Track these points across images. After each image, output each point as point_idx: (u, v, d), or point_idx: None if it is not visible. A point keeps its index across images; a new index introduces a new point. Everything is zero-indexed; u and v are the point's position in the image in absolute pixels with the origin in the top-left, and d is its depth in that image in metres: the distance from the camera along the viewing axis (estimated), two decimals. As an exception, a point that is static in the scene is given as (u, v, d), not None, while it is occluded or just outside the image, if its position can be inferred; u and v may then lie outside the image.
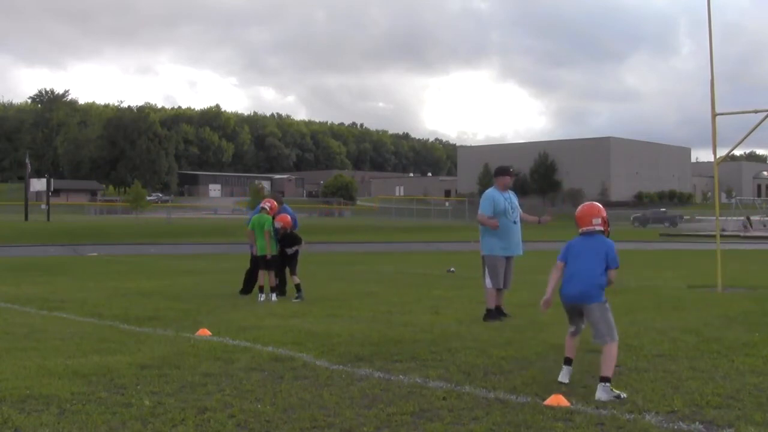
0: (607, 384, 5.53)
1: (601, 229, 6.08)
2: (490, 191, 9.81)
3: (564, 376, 6.04)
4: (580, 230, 6.11)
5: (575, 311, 6.02)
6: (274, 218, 11.77)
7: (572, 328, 6.13)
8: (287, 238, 11.83)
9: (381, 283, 14.61)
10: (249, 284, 12.46)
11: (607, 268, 5.92)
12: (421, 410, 5.16)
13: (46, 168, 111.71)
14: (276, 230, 11.66)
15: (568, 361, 6.11)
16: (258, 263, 11.79)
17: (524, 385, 5.88)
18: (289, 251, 11.82)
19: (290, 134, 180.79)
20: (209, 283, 14.57)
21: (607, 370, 5.60)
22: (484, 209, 9.67)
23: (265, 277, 11.61)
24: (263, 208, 11.88)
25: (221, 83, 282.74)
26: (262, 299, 11.38)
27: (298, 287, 11.59)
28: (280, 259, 11.71)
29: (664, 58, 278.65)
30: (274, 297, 11.46)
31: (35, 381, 5.92)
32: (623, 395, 5.48)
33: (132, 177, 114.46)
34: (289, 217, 12.02)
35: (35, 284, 14.12)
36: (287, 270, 12.03)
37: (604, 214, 6.15)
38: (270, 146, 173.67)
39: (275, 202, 12.13)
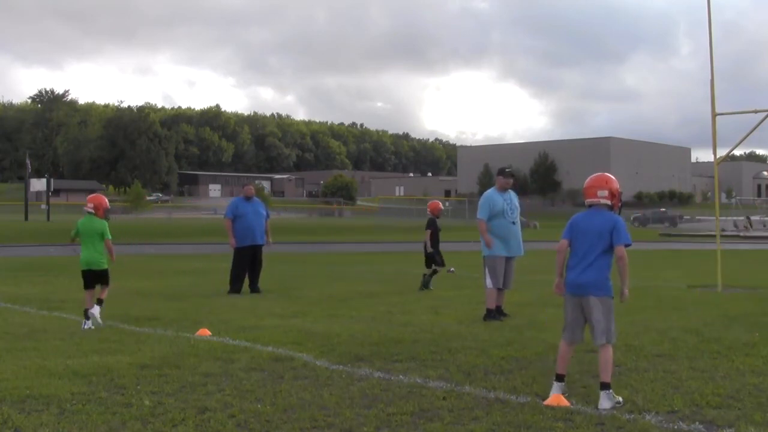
0: (610, 390, 5.19)
1: (608, 203, 5.47)
2: (489, 192, 9.79)
3: (556, 390, 5.41)
4: (586, 203, 5.57)
5: (577, 305, 5.45)
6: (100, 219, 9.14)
7: (568, 334, 5.54)
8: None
9: (381, 283, 14.60)
10: (237, 282, 12.55)
11: (612, 246, 5.32)
12: (421, 410, 5.16)
13: (46, 168, 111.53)
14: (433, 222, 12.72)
15: (560, 378, 5.45)
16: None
17: (524, 385, 5.88)
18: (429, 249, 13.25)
19: (290, 134, 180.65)
20: (209, 283, 14.56)
21: (608, 375, 5.23)
22: (481, 214, 9.67)
23: (93, 295, 8.99)
24: (89, 212, 9.14)
25: (221, 83, 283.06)
26: (89, 326, 8.73)
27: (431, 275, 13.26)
28: (92, 275, 9.06)
29: (664, 58, 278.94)
30: (90, 323, 8.78)
31: (35, 381, 5.91)
32: (621, 400, 5.25)
33: (132, 177, 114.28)
34: (439, 202, 14.04)
35: (35, 284, 14.12)
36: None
37: (615, 185, 5.51)
38: (270, 146, 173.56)
39: (104, 199, 9.30)
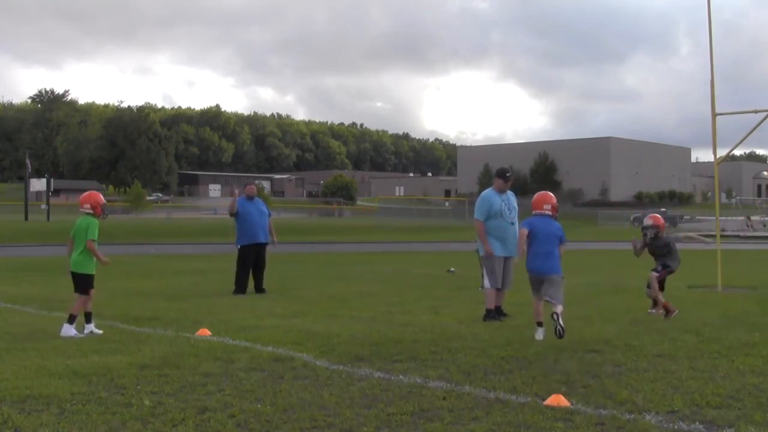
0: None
1: (550, 213, 8.16)
2: (487, 192, 9.79)
3: (539, 335, 7.79)
4: (534, 212, 8.19)
5: (538, 281, 8.03)
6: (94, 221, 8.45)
7: (537, 295, 8.08)
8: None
9: (381, 283, 14.60)
10: (243, 285, 12.53)
11: (560, 244, 8.06)
12: (421, 410, 5.16)
13: (46, 168, 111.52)
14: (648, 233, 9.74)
15: (540, 324, 7.91)
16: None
17: (524, 385, 5.88)
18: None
19: (290, 134, 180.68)
20: (209, 283, 14.57)
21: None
22: (478, 214, 9.68)
23: (81, 303, 8.46)
24: (86, 213, 8.47)
25: (220, 83, 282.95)
26: (90, 330, 8.37)
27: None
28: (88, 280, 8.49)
29: (664, 58, 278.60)
30: (93, 328, 8.43)
31: (35, 381, 5.91)
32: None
33: (132, 177, 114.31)
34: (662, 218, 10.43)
35: (35, 284, 14.13)
36: None
37: (554, 201, 8.26)
38: (270, 146, 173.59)
39: (99, 195, 8.68)
